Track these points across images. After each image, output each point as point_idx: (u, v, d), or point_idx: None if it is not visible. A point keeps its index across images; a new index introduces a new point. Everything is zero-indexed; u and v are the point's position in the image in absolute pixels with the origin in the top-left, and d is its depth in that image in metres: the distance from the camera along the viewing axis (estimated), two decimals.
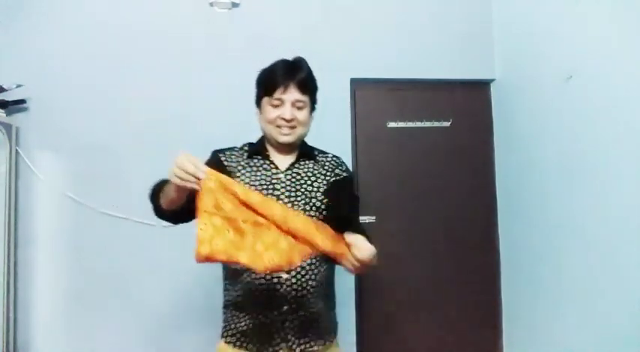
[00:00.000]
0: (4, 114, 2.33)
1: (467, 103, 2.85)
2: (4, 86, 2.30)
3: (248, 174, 1.36)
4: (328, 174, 1.41)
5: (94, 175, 2.46)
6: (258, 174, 1.37)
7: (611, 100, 1.91)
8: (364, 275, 2.63)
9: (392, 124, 2.77)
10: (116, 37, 2.53)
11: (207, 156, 1.42)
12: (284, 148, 1.40)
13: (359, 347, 2.60)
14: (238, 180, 1.33)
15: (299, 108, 1.36)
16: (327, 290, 1.44)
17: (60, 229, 2.45)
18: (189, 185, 1.10)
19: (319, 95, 1.41)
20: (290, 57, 1.40)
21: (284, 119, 1.34)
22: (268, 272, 1.16)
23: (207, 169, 1.11)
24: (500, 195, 2.79)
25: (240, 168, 1.38)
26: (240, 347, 1.34)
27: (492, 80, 2.83)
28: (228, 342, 1.36)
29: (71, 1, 2.53)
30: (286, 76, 1.34)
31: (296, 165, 1.41)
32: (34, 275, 2.40)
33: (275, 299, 1.31)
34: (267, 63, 1.40)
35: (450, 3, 2.79)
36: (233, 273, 1.36)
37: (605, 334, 1.91)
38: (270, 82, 1.35)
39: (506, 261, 2.73)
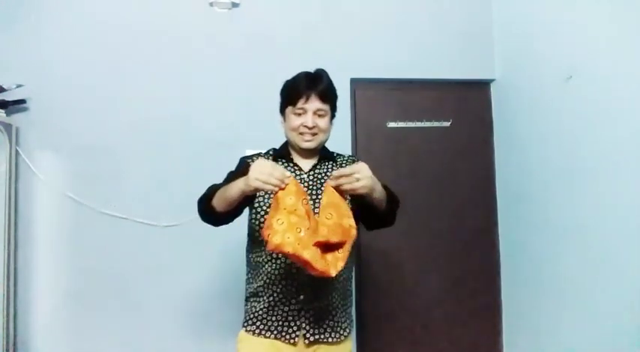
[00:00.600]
0: (4, 114, 2.33)
1: (467, 103, 2.85)
2: (4, 86, 2.30)
3: None
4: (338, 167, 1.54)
5: (94, 175, 2.46)
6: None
7: (611, 100, 1.91)
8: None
9: (392, 124, 2.76)
10: (116, 37, 2.53)
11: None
12: (306, 153, 1.53)
13: (359, 346, 2.60)
14: None
15: (320, 116, 1.49)
16: (343, 286, 1.53)
17: (60, 229, 2.44)
18: (268, 187, 1.23)
19: None
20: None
21: (306, 126, 1.47)
22: (323, 271, 1.23)
23: (291, 176, 1.27)
24: (500, 195, 2.79)
25: None
26: (259, 334, 1.44)
27: (492, 80, 2.83)
28: (248, 331, 1.46)
29: (71, 1, 2.53)
30: (308, 86, 1.46)
31: (317, 167, 1.55)
32: (34, 275, 2.40)
33: (292, 287, 1.42)
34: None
35: (450, 3, 2.79)
36: (256, 265, 1.49)
37: (606, 334, 1.91)
38: (293, 92, 1.48)
39: (507, 261, 2.73)
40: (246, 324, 1.49)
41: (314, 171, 1.54)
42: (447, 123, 2.81)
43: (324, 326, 1.45)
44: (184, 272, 2.46)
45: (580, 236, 2.08)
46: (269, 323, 1.44)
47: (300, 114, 1.47)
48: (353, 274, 1.59)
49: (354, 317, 2.58)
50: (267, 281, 1.45)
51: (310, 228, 1.24)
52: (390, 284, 2.70)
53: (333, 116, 1.56)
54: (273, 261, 1.45)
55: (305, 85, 1.47)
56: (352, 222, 1.28)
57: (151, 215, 2.44)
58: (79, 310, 2.41)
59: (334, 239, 1.24)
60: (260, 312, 1.46)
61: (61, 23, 2.51)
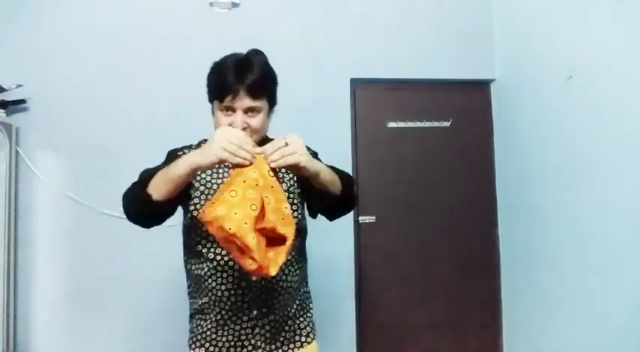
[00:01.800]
0: (4, 114, 2.33)
1: (467, 103, 2.85)
2: (4, 86, 2.30)
3: (208, 173, 1.28)
4: None
5: (94, 175, 2.46)
6: (220, 171, 1.29)
7: (611, 100, 1.91)
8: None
9: (392, 124, 2.76)
10: (116, 37, 2.53)
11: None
12: None
13: (359, 346, 2.60)
14: (199, 178, 1.27)
15: (252, 115, 1.24)
16: (300, 289, 1.36)
17: (60, 229, 2.44)
18: (237, 160, 1.02)
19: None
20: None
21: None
22: (261, 267, 1.02)
23: (262, 151, 1.05)
24: (500, 195, 2.79)
25: None
26: None
27: (492, 80, 2.83)
28: None
29: (71, 2, 2.53)
30: (236, 80, 1.20)
31: None
32: (34, 275, 2.40)
33: (243, 303, 1.23)
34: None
35: (450, 3, 2.79)
36: (197, 278, 1.28)
37: (605, 333, 1.92)
38: (219, 87, 1.23)
39: (507, 261, 2.73)
40: (193, 345, 1.28)
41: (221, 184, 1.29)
42: (447, 123, 2.81)
43: (282, 339, 1.28)
44: (184, 273, 2.45)
45: (580, 235, 2.08)
46: (219, 344, 1.25)
47: (228, 112, 1.23)
48: (308, 274, 1.40)
49: (354, 317, 2.60)
50: (213, 297, 1.24)
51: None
52: (390, 283, 2.70)
53: (272, 105, 1.31)
54: (218, 274, 1.24)
55: (232, 78, 1.20)
56: (289, 208, 1.05)
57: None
58: (79, 310, 2.41)
59: (282, 228, 1.01)
60: (207, 332, 1.26)
61: (61, 23, 2.51)
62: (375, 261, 2.70)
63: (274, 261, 1.01)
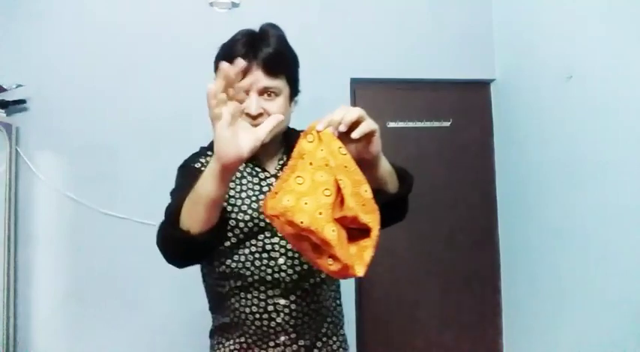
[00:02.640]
0: (4, 114, 2.33)
1: (467, 103, 2.85)
2: (4, 86, 2.30)
3: (234, 184, 1.09)
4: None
5: (94, 175, 2.45)
6: (244, 182, 1.10)
7: (611, 100, 1.91)
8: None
9: (392, 124, 2.76)
10: (116, 37, 2.52)
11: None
12: (262, 148, 0.96)
13: (359, 346, 2.60)
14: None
15: (269, 98, 1.03)
16: (333, 309, 1.20)
17: (60, 229, 2.44)
18: (257, 142, 0.80)
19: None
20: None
21: (249, 115, 1.01)
22: (346, 267, 0.82)
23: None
24: (500, 195, 2.79)
25: None
26: None
27: (492, 80, 2.83)
28: None
29: (71, 1, 2.53)
30: (247, 54, 1.00)
31: (287, 164, 1.11)
32: (34, 275, 2.40)
33: (269, 329, 1.08)
34: None
35: (450, 3, 2.79)
36: (217, 296, 1.13)
37: (606, 334, 1.91)
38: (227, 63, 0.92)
39: (506, 261, 2.73)
40: None
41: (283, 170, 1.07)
42: (447, 123, 2.81)
43: None
44: (184, 272, 2.45)
45: (580, 236, 2.08)
46: None
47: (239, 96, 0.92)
48: (340, 288, 1.23)
49: (354, 317, 2.60)
50: (235, 319, 1.10)
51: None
52: (390, 283, 2.70)
53: (294, 93, 1.12)
54: (242, 294, 1.08)
55: (243, 53, 0.99)
56: (370, 192, 0.84)
57: (151, 215, 2.42)
58: (79, 310, 2.41)
59: (364, 217, 0.82)
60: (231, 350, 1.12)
61: (61, 23, 2.51)
62: (374, 261, 2.69)
63: (359, 258, 0.83)
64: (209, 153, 1.14)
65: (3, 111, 2.32)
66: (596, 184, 1.99)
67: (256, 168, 1.12)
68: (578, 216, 2.09)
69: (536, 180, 2.42)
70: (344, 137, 0.84)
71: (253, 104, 1.00)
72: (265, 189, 1.09)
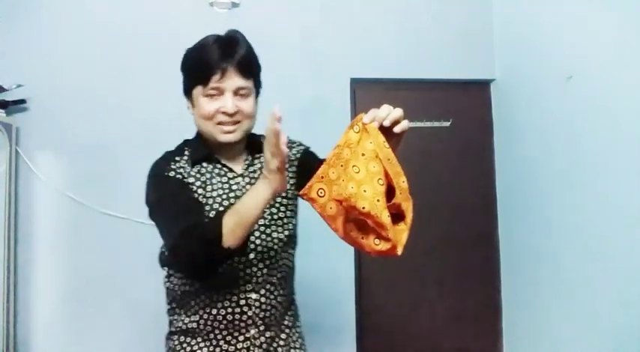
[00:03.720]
0: (4, 114, 2.33)
1: (467, 103, 2.85)
2: (4, 86, 2.30)
3: (203, 182, 1.15)
4: (289, 161, 1.19)
5: (94, 175, 2.45)
6: (214, 181, 1.16)
7: (611, 100, 1.91)
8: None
9: None
10: (116, 37, 2.52)
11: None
12: (229, 148, 1.17)
13: (359, 346, 2.60)
14: (194, 185, 1.14)
15: (242, 97, 1.12)
16: (293, 301, 1.29)
17: (60, 229, 2.44)
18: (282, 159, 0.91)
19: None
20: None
21: (226, 113, 1.10)
22: (394, 247, 0.94)
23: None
24: (500, 195, 2.79)
25: (192, 179, 1.16)
26: None
27: (492, 80, 2.83)
28: None
29: (71, 1, 2.53)
30: (223, 57, 1.08)
31: (252, 165, 1.20)
32: (34, 275, 2.40)
33: (241, 322, 1.13)
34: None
35: (450, 3, 2.79)
36: (183, 295, 1.16)
37: (606, 334, 1.91)
38: (203, 67, 1.11)
39: (507, 261, 2.73)
40: None
41: (248, 171, 1.19)
42: (447, 123, 2.81)
43: None
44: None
45: (580, 236, 2.08)
46: None
47: (214, 97, 1.10)
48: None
49: (353, 317, 2.60)
50: (205, 315, 1.12)
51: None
52: (390, 283, 2.70)
53: (258, 90, 1.19)
54: (213, 292, 1.11)
55: (218, 55, 1.09)
56: (406, 182, 0.97)
57: None
58: (79, 310, 2.41)
59: (404, 204, 0.94)
60: None
61: (61, 23, 2.51)
62: (375, 260, 2.70)
63: (398, 239, 0.94)
64: (177, 158, 1.22)
65: (3, 111, 2.32)
66: (596, 184, 1.99)
67: (224, 169, 1.18)
68: (578, 216, 2.09)
69: (536, 180, 2.42)
70: (383, 131, 0.96)
71: (229, 103, 1.09)
72: (234, 187, 1.15)
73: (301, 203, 1.24)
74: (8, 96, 2.33)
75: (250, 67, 1.13)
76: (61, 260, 2.43)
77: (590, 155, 2.03)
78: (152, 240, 2.44)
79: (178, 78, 2.53)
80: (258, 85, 1.19)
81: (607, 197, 1.93)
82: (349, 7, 2.71)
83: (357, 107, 2.74)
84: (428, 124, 2.79)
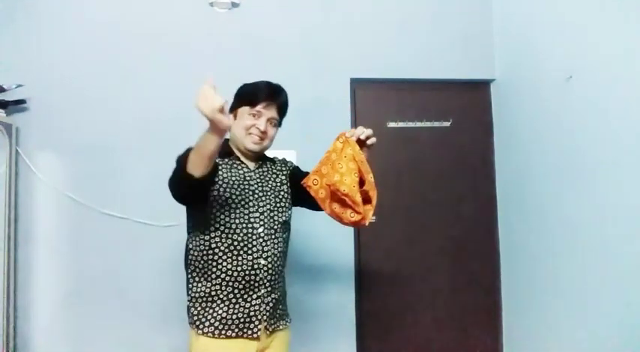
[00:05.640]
0: (4, 114, 2.33)
1: (467, 103, 2.85)
2: (4, 86, 2.30)
3: (225, 171, 1.54)
4: (284, 169, 1.68)
5: (94, 175, 2.46)
6: (233, 171, 1.56)
7: (611, 100, 1.91)
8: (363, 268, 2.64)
9: (392, 124, 2.76)
10: (116, 37, 2.53)
11: None
12: (249, 155, 1.59)
13: (359, 346, 2.60)
14: (220, 173, 1.52)
15: (272, 125, 1.57)
16: (283, 272, 1.62)
17: (60, 229, 2.45)
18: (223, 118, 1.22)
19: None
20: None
21: (259, 129, 1.53)
22: (363, 218, 1.40)
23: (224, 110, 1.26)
24: (500, 195, 2.79)
25: (221, 163, 1.56)
26: (219, 336, 1.44)
27: (492, 80, 2.83)
28: (206, 333, 1.44)
29: (71, 2, 2.53)
30: (271, 95, 1.55)
31: (262, 166, 1.64)
32: (34, 275, 2.40)
33: (254, 283, 1.47)
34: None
35: (450, 3, 2.79)
36: (205, 264, 1.48)
37: (606, 333, 1.92)
38: (255, 96, 1.54)
39: (506, 262, 2.73)
40: (202, 326, 1.44)
41: (259, 169, 1.62)
42: (447, 123, 2.81)
43: (277, 315, 1.54)
44: (184, 272, 2.45)
45: (580, 236, 2.08)
46: (229, 322, 1.44)
47: (255, 116, 1.53)
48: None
49: (353, 317, 2.60)
50: (227, 279, 1.46)
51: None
52: (390, 283, 2.70)
53: (279, 126, 1.64)
54: (232, 257, 1.46)
55: (267, 93, 1.55)
56: (373, 178, 1.42)
57: (151, 215, 2.44)
58: (79, 310, 2.41)
59: (371, 192, 1.40)
60: (219, 313, 1.45)
61: (61, 23, 2.51)
62: (375, 261, 2.70)
63: (367, 214, 1.41)
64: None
65: (3, 111, 2.33)
66: (595, 184, 1.99)
67: (242, 164, 1.60)
68: (578, 216, 2.09)
69: (536, 180, 2.42)
70: (359, 143, 1.43)
71: (263, 124, 1.54)
72: (247, 177, 1.57)
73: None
74: (8, 96, 2.33)
75: (283, 110, 1.61)
76: (61, 260, 2.43)
77: (589, 155, 2.03)
78: (152, 240, 2.46)
79: (178, 78, 2.55)
80: (281, 123, 1.63)
81: (606, 196, 1.93)
82: (349, 7, 2.72)
83: (357, 107, 2.74)
84: (428, 124, 2.79)
